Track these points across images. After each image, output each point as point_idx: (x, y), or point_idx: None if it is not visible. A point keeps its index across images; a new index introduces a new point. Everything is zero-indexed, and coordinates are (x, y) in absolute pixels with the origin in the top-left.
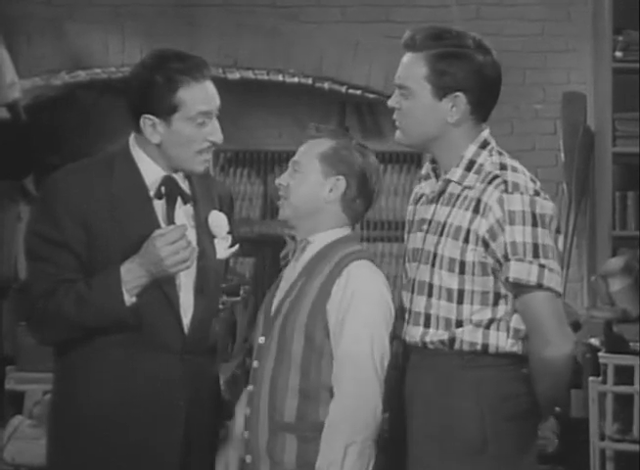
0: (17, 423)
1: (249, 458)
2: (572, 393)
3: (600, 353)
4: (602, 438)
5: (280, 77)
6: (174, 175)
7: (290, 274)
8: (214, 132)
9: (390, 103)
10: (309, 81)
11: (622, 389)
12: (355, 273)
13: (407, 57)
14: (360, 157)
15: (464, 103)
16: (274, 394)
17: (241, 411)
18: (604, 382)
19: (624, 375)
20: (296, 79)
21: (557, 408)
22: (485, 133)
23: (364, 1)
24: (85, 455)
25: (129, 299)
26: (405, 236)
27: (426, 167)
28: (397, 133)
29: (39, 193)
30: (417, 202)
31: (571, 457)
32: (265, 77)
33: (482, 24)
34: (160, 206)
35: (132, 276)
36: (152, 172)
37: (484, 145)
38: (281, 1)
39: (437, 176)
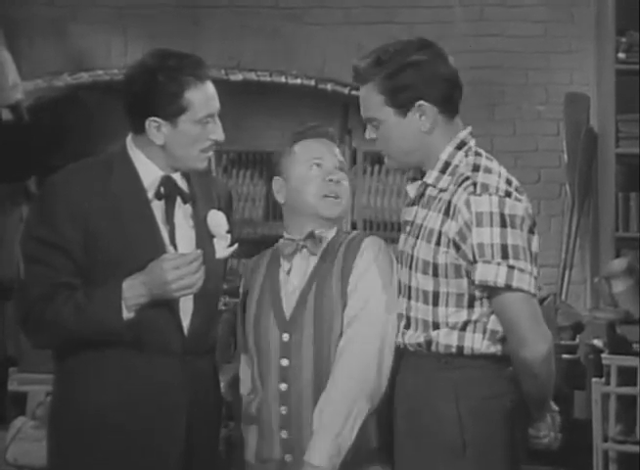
0: (19, 424)
1: (289, 458)
2: (575, 394)
3: (603, 355)
4: (605, 439)
5: (283, 79)
6: (173, 175)
7: (300, 271)
8: (217, 131)
9: (367, 136)
10: (312, 83)
11: (625, 390)
12: (370, 243)
13: (362, 90)
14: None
15: (429, 108)
16: (319, 391)
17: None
18: (607, 383)
19: (627, 376)
20: (298, 81)
21: (555, 407)
22: (463, 134)
23: (367, 3)
24: (86, 458)
25: (127, 314)
26: None
27: (411, 171)
28: (386, 161)
29: (37, 195)
30: (407, 204)
31: (573, 459)
32: (268, 79)
33: (486, 25)
34: (159, 206)
35: (133, 293)
36: (150, 173)
37: (461, 146)
38: (284, 2)
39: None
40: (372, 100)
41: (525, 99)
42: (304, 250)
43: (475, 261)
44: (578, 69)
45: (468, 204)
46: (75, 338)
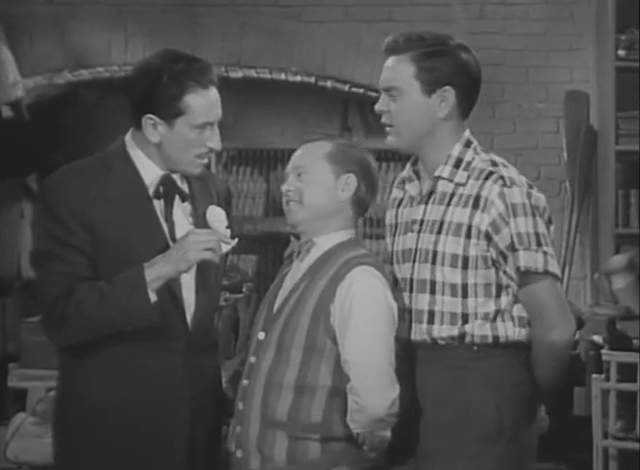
0: (20, 421)
1: (239, 453)
2: (575, 390)
3: (603, 351)
4: (605, 436)
5: (283, 76)
6: (172, 174)
7: (294, 274)
8: (214, 139)
9: (378, 107)
10: (312, 80)
11: (625, 386)
12: (357, 279)
13: (391, 60)
14: (360, 151)
15: (453, 97)
16: (268, 390)
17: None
18: (607, 379)
19: (627, 372)
20: (298, 78)
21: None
22: (467, 133)
23: (366, 0)
24: (90, 453)
25: (152, 295)
26: (388, 239)
27: (407, 170)
28: (389, 138)
29: (39, 195)
30: (399, 205)
31: (573, 455)
32: (268, 76)
33: (486, 24)
34: (157, 204)
35: (153, 270)
36: (150, 171)
37: (468, 144)
38: (284, 0)
39: (419, 178)
40: (402, 70)
41: (526, 97)
42: (300, 255)
43: (514, 250)
44: (578, 66)
45: (502, 196)
46: (102, 329)
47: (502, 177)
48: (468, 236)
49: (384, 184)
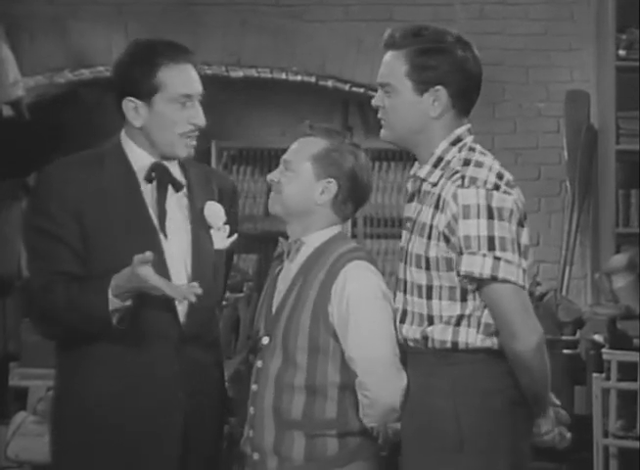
0: (20, 419)
1: (256, 455)
2: (576, 389)
3: (603, 350)
4: (605, 435)
5: (283, 76)
6: (165, 163)
7: (286, 275)
8: (196, 115)
9: (374, 102)
10: (312, 80)
11: (626, 385)
12: (351, 275)
13: (388, 55)
14: (352, 158)
15: (445, 96)
16: (279, 393)
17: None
18: (607, 378)
19: (628, 372)
20: (299, 78)
21: (557, 402)
22: (460, 130)
23: (367, 0)
24: (87, 449)
25: (118, 302)
26: None
27: (414, 167)
28: (382, 131)
29: (33, 186)
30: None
31: (574, 454)
32: (269, 76)
33: (486, 23)
34: (149, 192)
35: (118, 282)
36: (141, 160)
37: (456, 142)
38: (285, 0)
39: None
40: (396, 67)
41: (526, 97)
42: (290, 256)
43: (461, 253)
44: (579, 66)
45: (455, 196)
46: (68, 328)
47: (462, 177)
48: (429, 237)
49: (384, 184)
